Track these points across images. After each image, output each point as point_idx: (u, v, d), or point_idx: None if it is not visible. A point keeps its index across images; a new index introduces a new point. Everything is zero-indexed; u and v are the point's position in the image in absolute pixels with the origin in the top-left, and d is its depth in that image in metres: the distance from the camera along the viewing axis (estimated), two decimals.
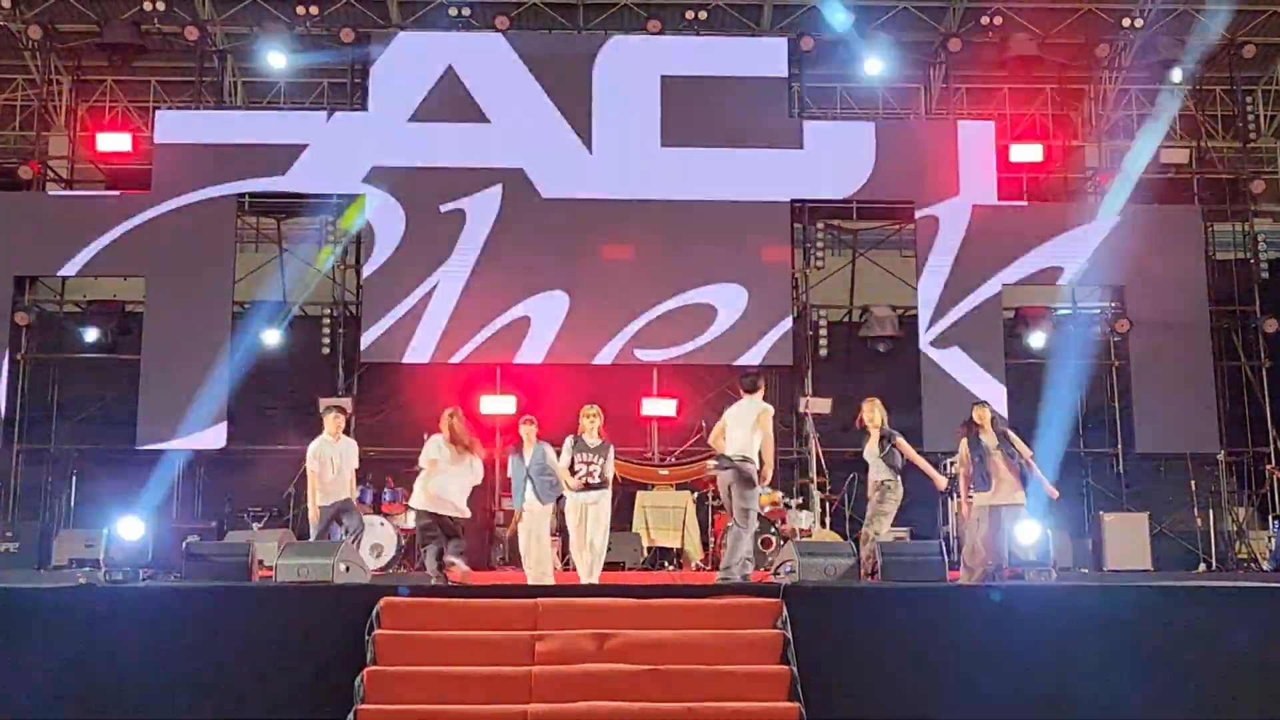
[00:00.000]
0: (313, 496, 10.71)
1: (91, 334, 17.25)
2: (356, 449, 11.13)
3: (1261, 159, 19.12)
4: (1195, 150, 18.06)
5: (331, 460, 10.76)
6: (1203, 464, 17.09)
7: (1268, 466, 16.67)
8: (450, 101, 17.33)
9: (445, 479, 10.53)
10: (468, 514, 10.75)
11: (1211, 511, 16.79)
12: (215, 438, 16.54)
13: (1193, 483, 16.97)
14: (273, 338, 17.07)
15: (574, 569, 11.17)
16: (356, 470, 11.15)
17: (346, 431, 11.87)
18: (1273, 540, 15.81)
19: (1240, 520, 17.10)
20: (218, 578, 8.96)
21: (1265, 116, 19.62)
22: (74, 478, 16.80)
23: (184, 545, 9.88)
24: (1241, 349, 17.67)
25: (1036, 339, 17.72)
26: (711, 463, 11.17)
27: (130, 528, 9.38)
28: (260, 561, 10.04)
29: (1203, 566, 16.41)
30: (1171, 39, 17.82)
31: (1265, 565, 15.67)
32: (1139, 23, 17.79)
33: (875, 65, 17.71)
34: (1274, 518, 16.21)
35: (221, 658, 7.63)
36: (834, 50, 17.88)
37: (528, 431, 11.01)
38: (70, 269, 16.95)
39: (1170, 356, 17.06)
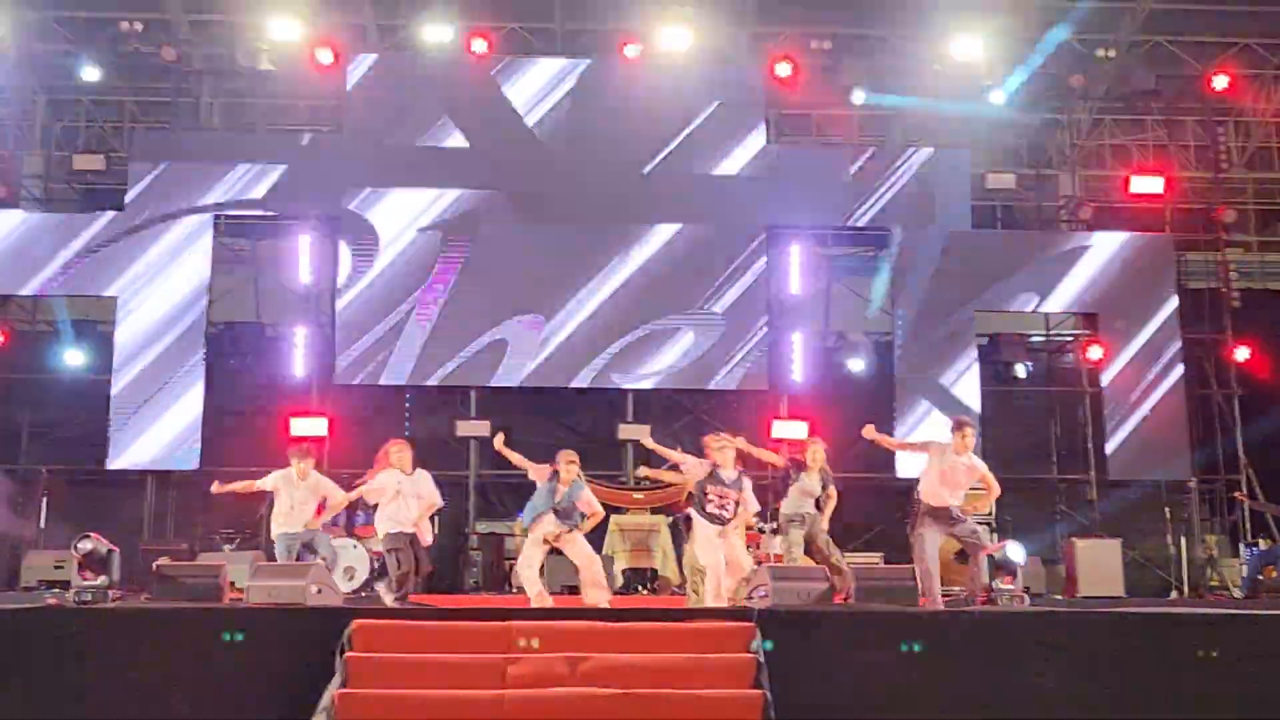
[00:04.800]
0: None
1: (63, 354, 17.14)
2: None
3: (1233, 189, 19.29)
4: (1167, 180, 18.21)
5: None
6: (1175, 491, 17.18)
7: (1237, 494, 16.75)
8: (428, 124, 17.35)
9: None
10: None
11: (1184, 538, 16.87)
12: (187, 459, 16.46)
13: (1166, 510, 17.04)
14: (245, 358, 16.99)
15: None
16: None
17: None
18: (1244, 567, 15.88)
19: (1212, 547, 17.18)
20: (188, 599, 8.88)
21: (1236, 147, 19.82)
22: (44, 498, 16.64)
23: (155, 567, 9.80)
24: (1214, 377, 17.81)
25: (1010, 366, 17.82)
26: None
27: (100, 549, 9.29)
28: (232, 583, 9.97)
29: (1175, 593, 16.48)
30: (1144, 70, 18.01)
31: (1236, 593, 15.73)
32: (1112, 53, 17.98)
33: (859, 96, 17.76)
34: (1245, 545, 16.29)
35: (191, 680, 7.56)
36: (811, 79, 17.96)
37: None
38: (43, 288, 16.89)
39: (1143, 384, 17.21)
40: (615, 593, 14.51)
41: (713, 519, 10.30)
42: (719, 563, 10.27)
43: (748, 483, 10.57)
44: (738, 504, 10.38)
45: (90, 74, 17.27)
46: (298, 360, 16.94)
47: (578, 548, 10.55)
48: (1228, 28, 18.36)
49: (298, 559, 10.80)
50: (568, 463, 10.52)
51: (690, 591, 11.03)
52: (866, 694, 7.61)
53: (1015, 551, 9.47)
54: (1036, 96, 18.26)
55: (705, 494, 10.37)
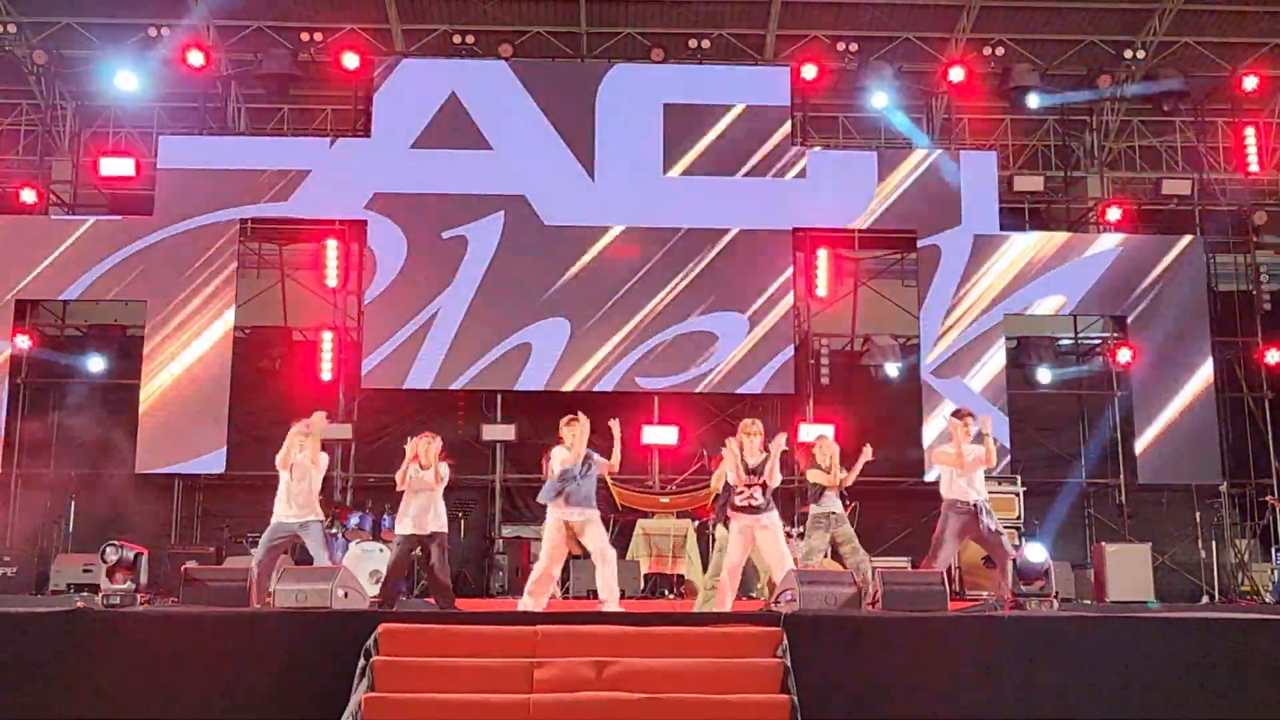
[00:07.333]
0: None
1: (92, 359, 17.27)
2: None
3: (1263, 191, 19.14)
4: (1197, 182, 18.06)
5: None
6: (1205, 495, 17.04)
7: (1269, 499, 16.61)
8: (453, 128, 17.38)
9: None
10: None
11: (1214, 543, 16.73)
12: (214, 463, 16.52)
13: (1196, 514, 16.91)
14: (272, 361, 17.06)
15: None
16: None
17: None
18: (1275, 573, 15.74)
19: (1242, 552, 17.04)
20: (216, 603, 8.89)
21: (1267, 148, 19.64)
22: (72, 502, 16.75)
23: (182, 570, 9.82)
24: (1244, 380, 17.66)
25: (1038, 369, 17.74)
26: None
27: (126, 555, 9.32)
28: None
29: (1206, 598, 16.34)
30: (1173, 71, 17.89)
31: (1268, 598, 15.59)
32: (1141, 54, 17.86)
33: (881, 99, 17.72)
34: (1276, 550, 16.14)
35: (218, 683, 7.58)
36: (836, 80, 17.93)
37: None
38: (72, 293, 16.99)
39: (1172, 388, 17.08)
40: (638, 597, 14.50)
41: (743, 511, 10.10)
42: (736, 565, 10.14)
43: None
44: (765, 489, 10.02)
45: (118, 80, 17.37)
46: (324, 364, 16.99)
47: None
48: (1257, 28, 18.21)
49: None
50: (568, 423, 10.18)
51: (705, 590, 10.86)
52: (894, 700, 7.56)
53: (1035, 553, 9.38)
54: (1065, 98, 18.17)
55: (732, 486, 10.14)
